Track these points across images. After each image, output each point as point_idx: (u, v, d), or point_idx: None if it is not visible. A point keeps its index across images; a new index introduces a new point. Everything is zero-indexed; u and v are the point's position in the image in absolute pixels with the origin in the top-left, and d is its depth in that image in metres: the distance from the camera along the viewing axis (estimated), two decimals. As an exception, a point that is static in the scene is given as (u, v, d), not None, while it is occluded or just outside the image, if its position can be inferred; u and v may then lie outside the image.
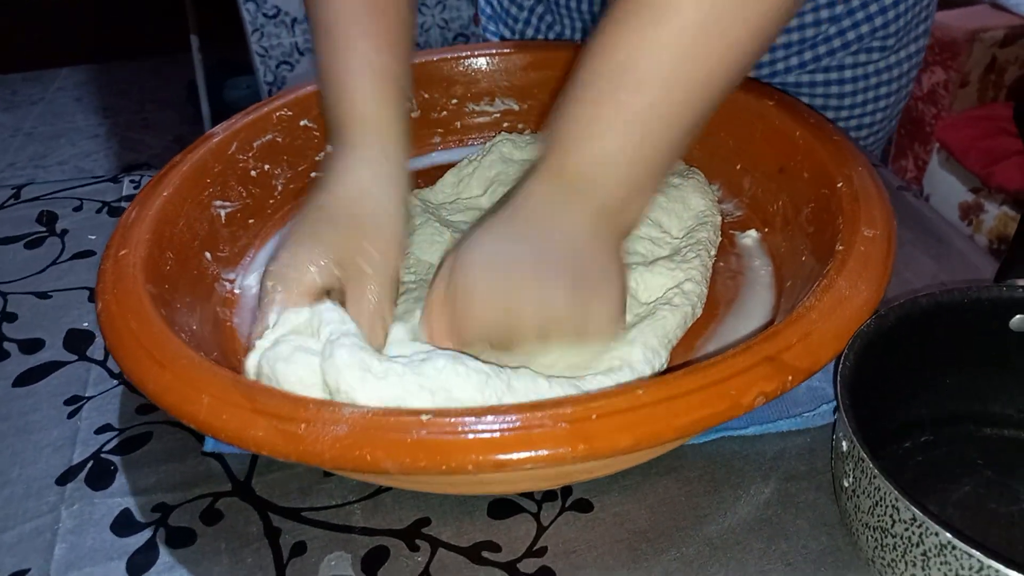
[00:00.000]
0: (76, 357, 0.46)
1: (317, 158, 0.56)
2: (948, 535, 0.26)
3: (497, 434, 0.30)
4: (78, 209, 0.59)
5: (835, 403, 0.37)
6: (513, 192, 0.40)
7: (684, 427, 0.31)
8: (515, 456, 0.29)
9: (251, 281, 0.48)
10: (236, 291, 0.48)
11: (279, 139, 0.53)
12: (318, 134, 0.56)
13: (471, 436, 0.29)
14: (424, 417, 0.30)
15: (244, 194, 0.51)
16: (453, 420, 0.30)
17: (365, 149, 0.44)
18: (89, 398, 0.43)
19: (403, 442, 0.29)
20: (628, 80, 0.36)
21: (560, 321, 0.37)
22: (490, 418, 0.30)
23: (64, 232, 0.57)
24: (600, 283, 0.38)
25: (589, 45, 0.38)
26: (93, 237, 0.56)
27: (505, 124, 0.61)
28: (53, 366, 0.46)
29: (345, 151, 0.44)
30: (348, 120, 0.45)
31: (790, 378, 0.32)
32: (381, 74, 0.45)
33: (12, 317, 0.49)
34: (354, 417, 0.30)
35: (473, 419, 0.30)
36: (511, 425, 0.30)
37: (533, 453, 0.29)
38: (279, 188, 0.54)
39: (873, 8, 0.62)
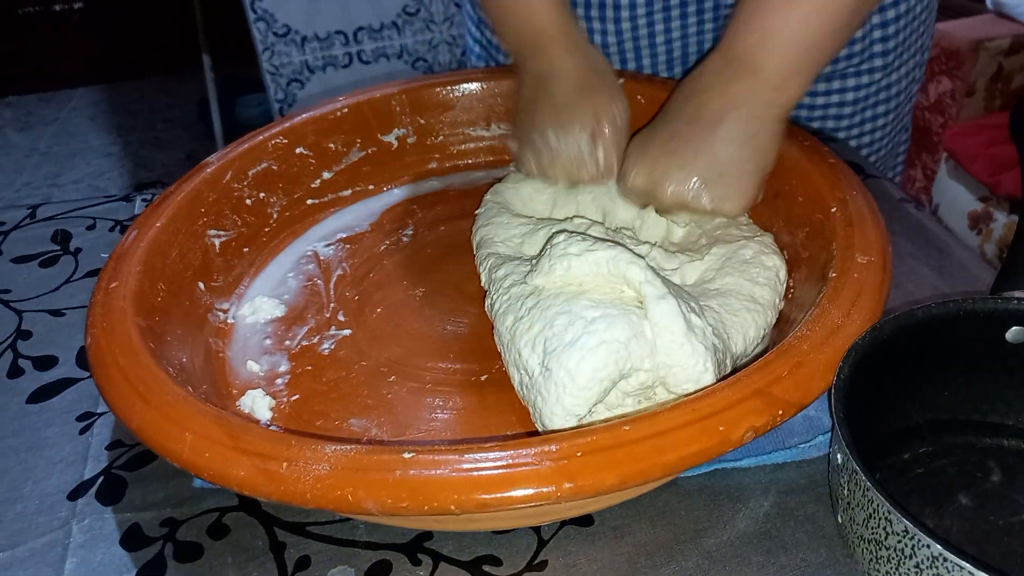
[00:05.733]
0: (88, 374, 0.47)
1: (313, 185, 0.56)
2: (939, 547, 0.27)
3: (480, 473, 0.29)
4: (91, 228, 0.60)
5: (831, 429, 0.37)
6: (691, 73, 0.49)
7: (672, 464, 0.30)
8: (498, 495, 0.29)
9: (245, 311, 0.48)
10: (230, 320, 0.48)
11: (274, 167, 0.54)
12: (314, 161, 0.56)
13: (454, 475, 0.29)
14: (407, 455, 0.30)
15: (239, 223, 0.51)
16: (436, 458, 0.30)
17: (572, 45, 0.53)
18: (100, 414, 0.44)
19: (385, 482, 0.29)
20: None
21: (696, 179, 0.45)
22: (474, 456, 0.30)
23: (78, 251, 0.58)
24: (742, 152, 0.45)
25: None
26: (106, 255, 0.57)
27: (505, 148, 0.61)
28: (66, 383, 0.47)
29: (552, 50, 0.52)
30: (546, 31, 0.52)
31: (780, 412, 0.32)
32: None
33: (27, 335, 0.50)
34: (336, 456, 0.30)
35: (456, 457, 0.30)
36: (495, 463, 0.29)
37: (517, 492, 0.29)
38: (274, 216, 0.54)
39: (875, 20, 0.63)
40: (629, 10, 0.64)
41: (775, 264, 0.44)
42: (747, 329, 0.40)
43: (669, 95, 0.50)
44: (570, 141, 0.49)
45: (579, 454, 0.30)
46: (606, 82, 0.51)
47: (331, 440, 0.31)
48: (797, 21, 0.44)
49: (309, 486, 0.30)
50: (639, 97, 0.56)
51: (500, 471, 0.29)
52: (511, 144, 0.54)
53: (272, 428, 0.40)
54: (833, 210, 0.42)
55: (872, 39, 0.64)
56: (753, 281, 0.42)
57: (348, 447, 0.31)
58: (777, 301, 0.43)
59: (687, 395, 0.35)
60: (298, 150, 0.55)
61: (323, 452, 0.30)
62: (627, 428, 0.31)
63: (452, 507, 0.29)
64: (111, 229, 0.60)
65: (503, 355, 0.41)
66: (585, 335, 0.36)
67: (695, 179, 0.45)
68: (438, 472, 0.29)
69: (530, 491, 0.29)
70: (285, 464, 0.30)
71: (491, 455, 0.30)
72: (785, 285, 0.44)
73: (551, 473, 0.29)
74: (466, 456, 0.30)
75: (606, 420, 0.34)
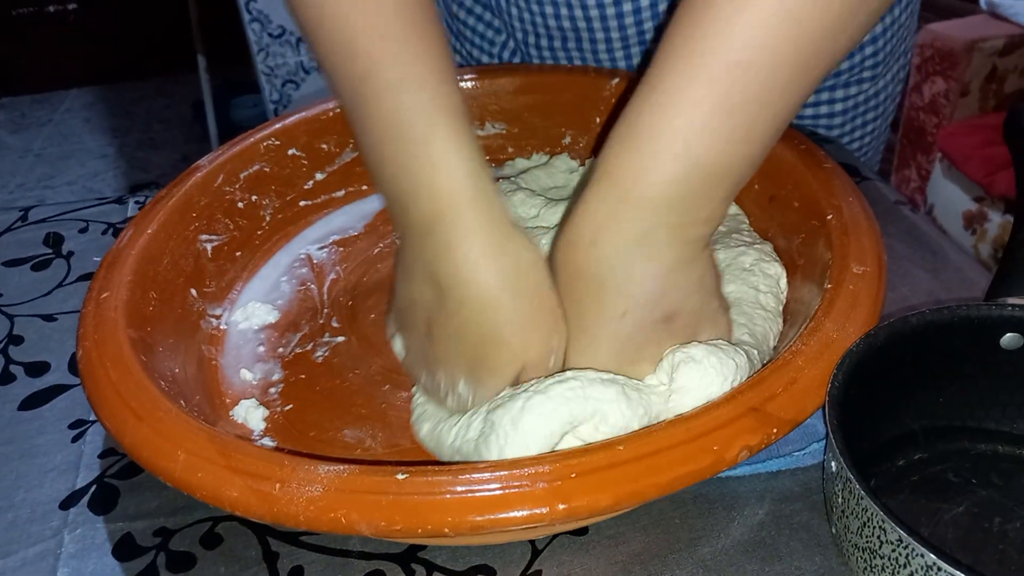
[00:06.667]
0: (81, 381, 0.47)
1: (306, 186, 0.56)
2: (933, 556, 0.27)
3: (474, 494, 0.29)
4: (84, 231, 0.60)
5: (825, 437, 0.37)
6: (575, 218, 0.35)
7: (666, 485, 0.30)
8: (492, 517, 0.29)
9: (237, 317, 0.48)
10: (223, 327, 0.47)
11: (267, 169, 0.53)
12: (306, 163, 0.56)
13: (448, 497, 0.29)
14: (401, 476, 0.30)
15: (231, 226, 0.51)
16: (430, 480, 0.30)
17: (496, 236, 0.35)
18: (93, 422, 0.44)
19: (378, 504, 0.29)
20: (711, 66, 0.31)
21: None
22: (467, 478, 0.29)
23: (70, 254, 0.58)
24: (701, 314, 0.36)
25: (667, 29, 0.33)
26: (98, 259, 0.57)
27: (498, 148, 0.61)
28: (58, 389, 0.46)
29: (465, 243, 0.34)
30: (445, 194, 0.34)
31: (775, 430, 0.32)
32: (454, 114, 0.35)
33: (18, 340, 0.50)
34: (329, 477, 0.30)
35: (450, 478, 0.29)
36: (488, 485, 0.29)
37: (511, 514, 0.29)
38: (267, 219, 0.54)
39: (865, 37, 0.63)
40: (634, 15, 0.62)
41: (776, 272, 0.44)
42: (768, 339, 0.40)
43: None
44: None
45: (573, 475, 0.29)
46: (544, 305, 0.35)
47: (324, 460, 0.31)
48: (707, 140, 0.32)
49: (302, 508, 0.29)
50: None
51: (494, 493, 0.29)
52: (398, 349, 0.39)
53: (265, 442, 0.40)
54: (829, 217, 0.42)
55: (864, 54, 0.64)
56: (756, 289, 0.42)
57: (341, 467, 0.30)
58: (780, 310, 0.43)
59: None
60: (290, 151, 0.55)
61: (316, 473, 0.30)
62: (621, 448, 0.30)
63: (446, 529, 0.29)
64: (104, 232, 0.60)
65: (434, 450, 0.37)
66: (537, 383, 0.34)
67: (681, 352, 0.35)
68: (432, 494, 0.29)
69: (524, 512, 0.29)
70: (278, 485, 0.30)
71: (485, 476, 0.29)
72: (785, 294, 0.44)
73: (545, 495, 0.29)
74: (460, 477, 0.30)
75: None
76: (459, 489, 0.29)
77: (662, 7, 0.60)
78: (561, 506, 0.29)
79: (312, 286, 0.51)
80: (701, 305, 0.37)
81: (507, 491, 0.29)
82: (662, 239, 0.34)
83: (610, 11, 0.59)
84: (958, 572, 0.26)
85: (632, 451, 0.30)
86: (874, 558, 0.30)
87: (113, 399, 0.35)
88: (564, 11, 0.60)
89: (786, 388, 0.33)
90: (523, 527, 0.29)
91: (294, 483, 0.30)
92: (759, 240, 0.47)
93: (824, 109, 0.66)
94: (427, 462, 0.39)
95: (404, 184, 0.36)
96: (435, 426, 0.37)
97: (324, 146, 0.57)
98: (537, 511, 0.29)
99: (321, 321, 0.48)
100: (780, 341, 0.41)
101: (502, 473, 0.30)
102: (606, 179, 0.34)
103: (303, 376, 0.44)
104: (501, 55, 0.71)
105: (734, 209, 0.51)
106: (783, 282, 0.44)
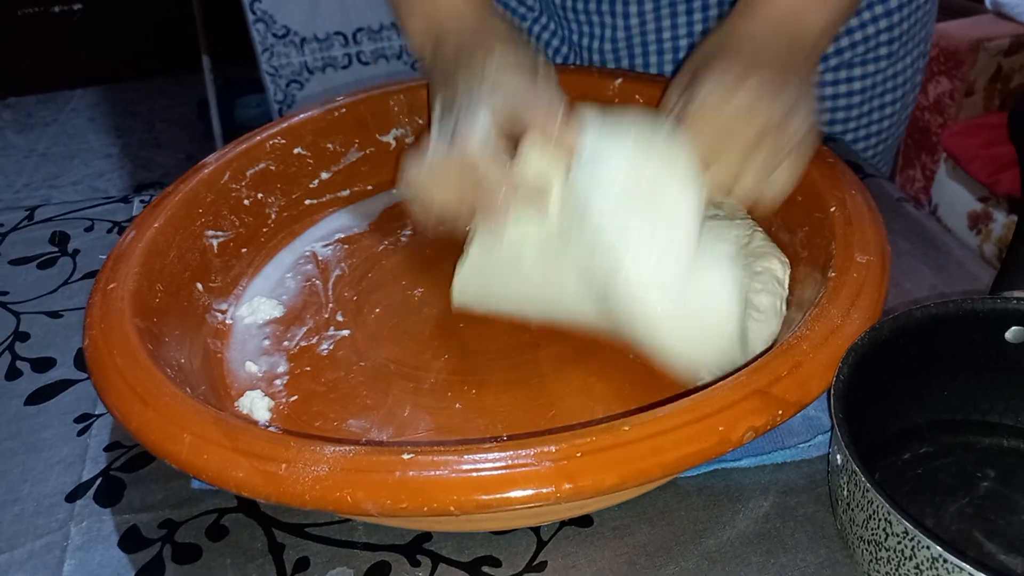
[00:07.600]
0: (86, 376, 0.47)
1: (311, 185, 0.56)
2: (939, 548, 0.27)
3: (480, 473, 0.29)
4: (89, 229, 0.60)
5: (831, 429, 0.37)
6: (730, 33, 0.48)
7: (671, 464, 0.30)
8: (498, 496, 0.29)
9: (243, 311, 0.48)
10: (228, 321, 0.48)
11: (272, 167, 0.54)
12: (311, 161, 0.56)
13: (454, 476, 0.29)
14: (406, 456, 0.30)
15: (237, 223, 0.51)
16: (436, 459, 0.30)
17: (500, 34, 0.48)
18: (99, 416, 0.44)
19: (384, 483, 0.29)
20: None
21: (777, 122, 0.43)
22: (473, 457, 0.30)
23: (76, 252, 0.58)
24: (800, 101, 0.44)
25: None
26: (103, 257, 0.57)
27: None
28: (64, 384, 0.47)
29: (477, 37, 0.48)
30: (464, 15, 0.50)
31: (780, 412, 0.32)
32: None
33: (25, 336, 0.50)
34: (335, 457, 0.30)
35: (456, 458, 0.30)
36: (494, 464, 0.29)
37: (516, 493, 0.29)
38: (272, 216, 0.54)
39: (879, 10, 0.64)
40: (637, 5, 0.65)
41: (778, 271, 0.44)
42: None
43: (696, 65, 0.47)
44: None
45: (579, 454, 0.30)
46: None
47: (330, 441, 0.31)
48: None
49: (308, 487, 0.29)
50: (637, 96, 0.56)
51: (500, 472, 0.29)
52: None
53: (271, 429, 0.40)
54: (832, 209, 0.42)
55: (879, 28, 0.65)
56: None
57: (347, 448, 0.31)
58: (778, 304, 0.42)
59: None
60: (296, 150, 0.55)
61: (322, 453, 0.30)
62: (626, 428, 0.30)
63: (451, 508, 0.29)
64: (109, 230, 0.60)
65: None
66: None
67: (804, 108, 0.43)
68: (437, 473, 0.29)
69: (530, 492, 0.29)
70: (284, 465, 0.30)
71: (491, 456, 0.30)
72: (785, 286, 0.44)
73: (551, 473, 0.29)
74: (465, 457, 0.30)
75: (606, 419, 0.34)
76: (465, 468, 0.29)
77: (697, 29, 0.65)
78: (567, 485, 0.29)
79: (317, 282, 0.51)
80: (799, 93, 0.45)
81: (513, 470, 0.29)
82: (782, 46, 0.46)
83: (650, 27, 0.66)
84: (964, 564, 0.26)
85: (638, 431, 0.30)
86: (879, 550, 0.30)
87: (119, 385, 0.35)
88: (609, 23, 0.67)
89: (791, 371, 0.33)
90: (529, 506, 0.29)
91: (300, 463, 0.30)
92: (756, 227, 0.48)
93: (843, 88, 0.67)
94: (435, 442, 0.39)
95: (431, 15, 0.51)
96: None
97: (329, 146, 0.57)
98: (543, 490, 0.29)
99: (326, 316, 0.48)
100: (785, 328, 0.41)
101: (508, 452, 0.30)
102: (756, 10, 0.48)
103: (308, 368, 0.44)
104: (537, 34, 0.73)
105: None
106: (780, 274, 0.44)
